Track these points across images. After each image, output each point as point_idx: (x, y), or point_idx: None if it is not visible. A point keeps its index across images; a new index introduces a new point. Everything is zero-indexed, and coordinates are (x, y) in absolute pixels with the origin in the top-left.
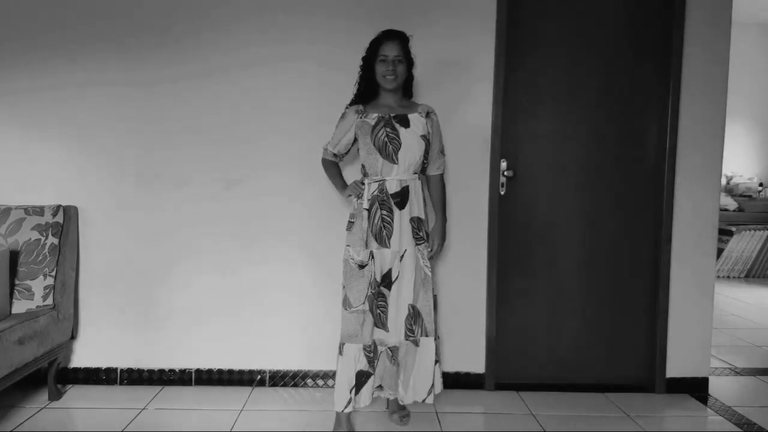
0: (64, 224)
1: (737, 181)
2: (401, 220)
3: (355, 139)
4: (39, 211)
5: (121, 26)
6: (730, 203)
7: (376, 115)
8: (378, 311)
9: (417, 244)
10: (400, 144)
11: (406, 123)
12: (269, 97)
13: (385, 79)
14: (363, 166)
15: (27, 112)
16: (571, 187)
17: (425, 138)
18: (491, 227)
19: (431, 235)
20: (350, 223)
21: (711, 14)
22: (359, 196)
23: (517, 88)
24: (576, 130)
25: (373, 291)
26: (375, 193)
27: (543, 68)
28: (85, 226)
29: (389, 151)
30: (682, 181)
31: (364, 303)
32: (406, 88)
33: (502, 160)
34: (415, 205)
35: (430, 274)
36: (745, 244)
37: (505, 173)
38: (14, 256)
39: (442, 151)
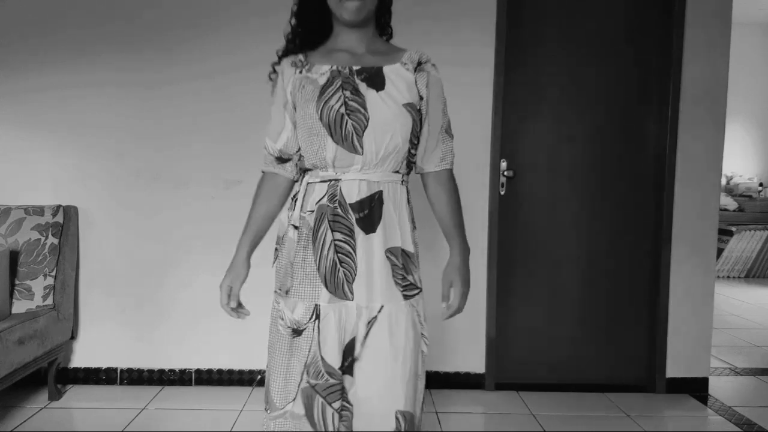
0: (64, 224)
1: (737, 181)
2: (371, 251)
3: None
4: (39, 211)
5: (122, 28)
6: (730, 203)
7: (326, 68)
8: (330, 420)
9: (406, 297)
10: (367, 118)
11: (378, 81)
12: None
13: (342, 3)
14: (302, 157)
15: (27, 113)
16: (571, 187)
17: (412, 108)
18: (491, 227)
19: (447, 279)
20: (277, 252)
21: (711, 14)
22: (292, 206)
23: (517, 87)
24: (576, 130)
25: (316, 381)
26: (322, 201)
27: (543, 68)
28: (85, 226)
29: (347, 129)
30: (682, 181)
31: (294, 401)
32: (381, 23)
33: (502, 160)
34: (396, 227)
35: (426, 350)
36: (745, 244)
37: (505, 173)
38: (14, 256)
39: (447, 131)
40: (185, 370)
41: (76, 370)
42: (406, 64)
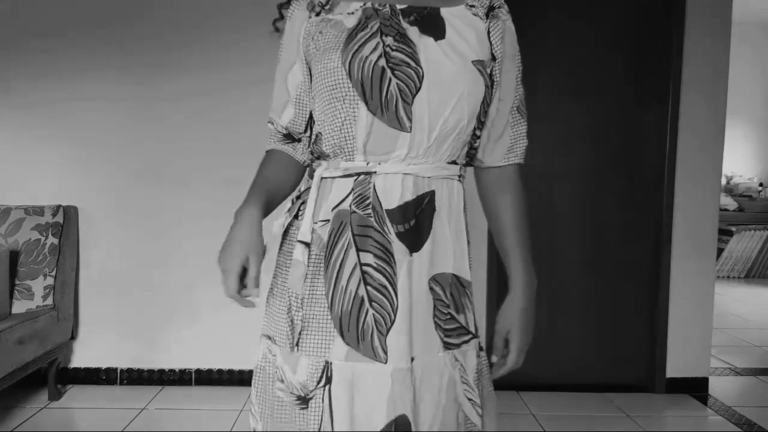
0: (64, 224)
1: (737, 181)
2: (412, 279)
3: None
4: (39, 211)
5: (123, 28)
6: (730, 203)
7: (357, 5)
8: None
9: (448, 347)
10: (421, 76)
11: (436, 26)
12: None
13: None
14: (318, 137)
15: (27, 113)
16: (570, 187)
17: (484, 68)
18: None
19: (504, 325)
20: (273, 282)
21: (711, 14)
22: (297, 215)
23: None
24: (576, 130)
25: None
26: (342, 205)
27: (542, 67)
28: (85, 226)
29: (389, 91)
30: (682, 181)
31: None
32: None
33: None
34: (449, 245)
35: (478, 422)
36: (745, 244)
37: None
38: (14, 256)
39: (520, 108)
40: (185, 370)
41: (76, 370)
42: (474, 6)
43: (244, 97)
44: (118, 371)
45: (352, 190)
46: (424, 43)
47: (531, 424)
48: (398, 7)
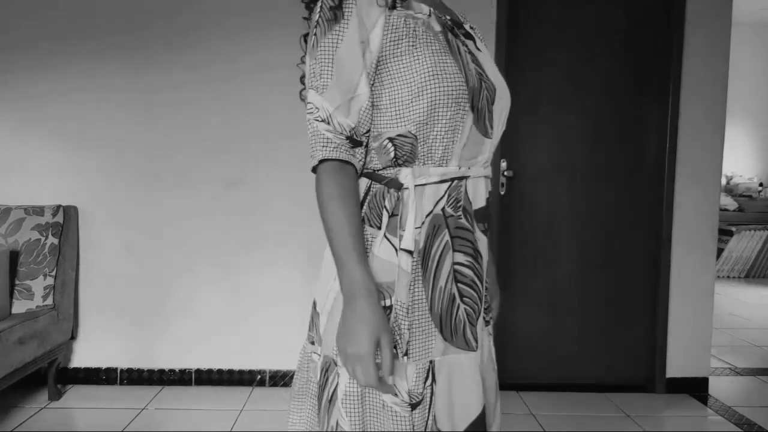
0: (64, 224)
1: (737, 181)
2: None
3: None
4: (39, 211)
5: (124, 29)
6: (730, 203)
7: (426, 8)
8: None
9: (487, 322)
10: (494, 86)
11: (473, 39)
12: (271, 99)
13: None
14: (394, 143)
15: (27, 113)
16: (571, 187)
17: None
18: (491, 227)
19: (490, 286)
20: (385, 307)
21: (711, 14)
22: (382, 227)
23: (517, 87)
24: (576, 130)
25: None
26: (436, 209)
27: (543, 68)
28: (85, 226)
29: (483, 101)
30: (682, 181)
31: None
32: None
33: (502, 160)
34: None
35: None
36: (745, 244)
37: (505, 173)
38: (14, 256)
39: None
40: (185, 370)
41: (76, 370)
42: (473, 29)
43: (245, 98)
44: (118, 371)
45: (447, 194)
46: (480, 56)
47: (531, 424)
48: (447, 16)
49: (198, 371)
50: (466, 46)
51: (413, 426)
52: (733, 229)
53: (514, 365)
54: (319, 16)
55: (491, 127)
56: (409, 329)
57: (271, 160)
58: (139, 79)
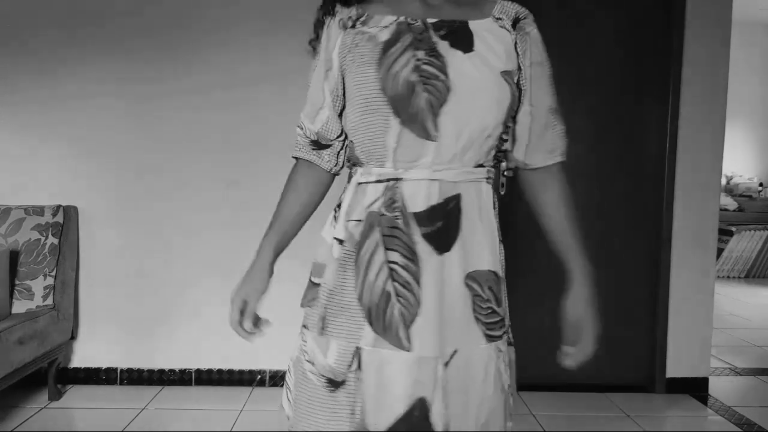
0: (64, 224)
1: (737, 181)
2: (444, 278)
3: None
4: (39, 211)
5: (124, 29)
6: (730, 203)
7: (391, 19)
8: None
9: (490, 338)
10: (449, 88)
11: (465, 39)
12: (270, 100)
13: None
14: (352, 144)
15: (28, 113)
16: (570, 187)
17: (511, 79)
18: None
19: (572, 316)
20: (312, 285)
21: (711, 14)
22: (336, 215)
23: None
24: (576, 130)
25: None
26: (376, 207)
27: None
28: (85, 226)
29: (418, 105)
30: (682, 180)
31: None
32: None
33: (502, 161)
34: (482, 243)
35: (511, 409)
36: (745, 244)
37: (505, 173)
38: (14, 256)
39: (556, 111)
40: (185, 370)
41: (76, 370)
42: (501, 19)
43: (245, 98)
44: (118, 371)
45: (383, 194)
46: (454, 57)
47: (531, 424)
48: (429, 20)
49: (198, 371)
50: (433, 48)
51: (325, 399)
52: (733, 229)
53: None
54: (312, 41)
55: (435, 129)
56: (326, 308)
57: (271, 160)
58: (140, 81)
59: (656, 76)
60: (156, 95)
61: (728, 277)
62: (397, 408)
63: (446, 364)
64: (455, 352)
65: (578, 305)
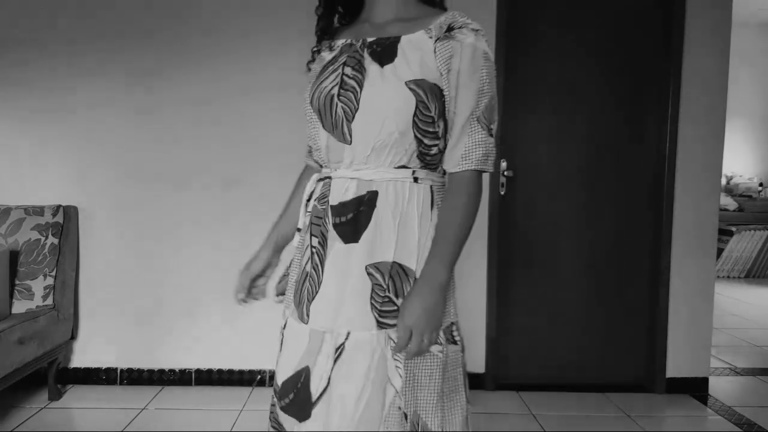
0: (64, 224)
1: (737, 181)
2: (346, 264)
3: None
4: (39, 211)
5: (124, 30)
6: (730, 203)
7: (341, 42)
8: None
9: (381, 325)
10: (358, 99)
11: (388, 54)
12: (270, 103)
13: None
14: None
15: (28, 113)
16: (571, 186)
17: (421, 86)
18: (491, 227)
19: (401, 305)
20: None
21: (711, 14)
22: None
23: (517, 87)
24: (576, 130)
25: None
26: (316, 201)
27: (543, 68)
28: (85, 226)
29: (336, 114)
30: (682, 181)
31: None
32: None
33: (502, 160)
34: (391, 237)
35: (400, 401)
36: (745, 244)
37: (505, 173)
38: (14, 256)
39: (481, 119)
40: (185, 370)
41: (76, 370)
42: (430, 31)
43: (245, 100)
44: (118, 371)
45: (321, 190)
46: (372, 70)
47: (531, 424)
48: (368, 39)
49: (198, 371)
50: (359, 63)
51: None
52: (733, 229)
53: (514, 365)
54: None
55: (350, 135)
56: (283, 286)
57: (271, 160)
58: (140, 81)
59: (656, 76)
60: (156, 95)
61: (728, 277)
62: (287, 370)
63: (341, 344)
64: (349, 333)
65: (407, 297)
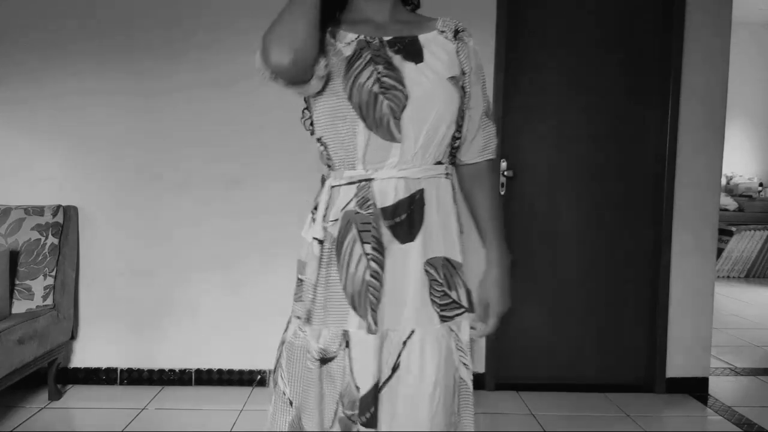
0: (64, 224)
1: (737, 181)
2: (405, 264)
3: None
4: (39, 211)
5: (124, 30)
6: (730, 203)
7: (352, 36)
8: None
9: (444, 319)
10: (407, 95)
11: (415, 52)
12: (271, 101)
13: None
14: (324, 149)
15: (28, 113)
16: (571, 187)
17: (457, 83)
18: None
19: (483, 297)
20: (299, 282)
21: (711, 14)
22: (313, 217)
23: (518, 87)
24: (576, 130)
25: (351, 411)
26: (348, 207)
27: (543, 68)
28: (85, 226)
29: (381, 111)
30: (682, 181)
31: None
32: None
33: (502, 160)
34: (439, 233)
35: (470, 382)
36: (745, 244)
37: (505, 173)
38: (14, 256)
39: (488, 114)
40: (185, 370)
41: (76, 370)
42: (445, 32)
43: (245, 100)
44: (118, 371)
45: (356, 194)
46: (407, 68)
47: (531, 424)
48: (385, 38)
49: (198, 371)
50: (389, 62)
51: (320, 373)
52: (733, 229)
53: (514, 365)
54: None
55: (399, 132)
56: (313, 302)
57: (271, 161)
58: (140, 80)
59: (656, 76)
60: (156, 95)
61: (728, 277)
62: (365, 385)
63: (404, 342)
64: (413, 332)
65: (488, 285)
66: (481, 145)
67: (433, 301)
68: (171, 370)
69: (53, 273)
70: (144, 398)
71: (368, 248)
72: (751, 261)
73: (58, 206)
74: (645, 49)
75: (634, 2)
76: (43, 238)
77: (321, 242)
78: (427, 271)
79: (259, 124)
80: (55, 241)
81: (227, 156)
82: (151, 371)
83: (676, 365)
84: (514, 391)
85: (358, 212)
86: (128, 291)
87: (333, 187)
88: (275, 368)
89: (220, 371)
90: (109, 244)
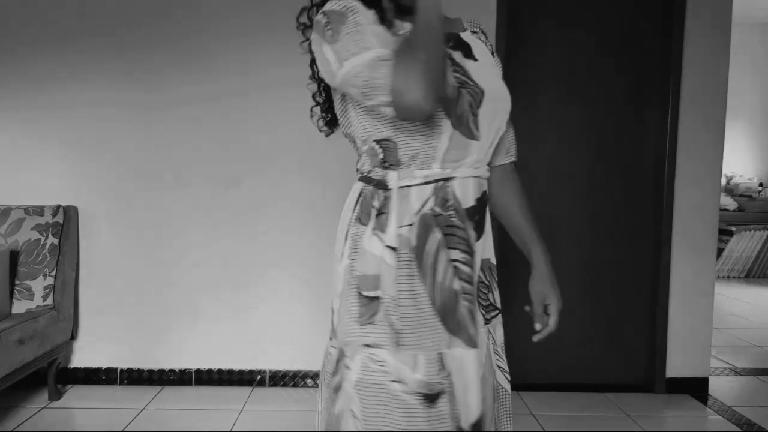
0: (64, 224)
1: (737, 181)
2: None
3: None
4: (39, 211)
5: (124, 30)
6: (730, 203)
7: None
8: None
9: (486, 321)
10: (482, 91)
11: (468, 50)
12: (270, 101)
13: None
14: (383, 150)
15: (28, 113)
16: (570, 186)
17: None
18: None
19: (539, 295)
20: (367, 301)
21: (711, 14)
22: (376, 222)
23: (517, 87)
24: (576, 130)
25: None
26: (424, 209)
27: (543, 67)
28: (85, 226)
29: (463, 108)
30: (682, 181)
31: None
32: None
33: None
34: (489, 234)
35: (507, 386)
36: (745, 244)
37: None
38: (14, 256)
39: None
40: (185, 370)
41: (76, 370)
42: (476, 32)
43: (246, 100)
44: (118, 371)
45: (434, 194)
46: (468, 65)
47: (531, 424)
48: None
49: (198, 371)
50: (451, 57)
51: (423, 415)
52: (733, 229)
53: (514, 365)
54: (328, 17)
55: (477, 129)
56: (401, 320)
57: (272, 160)
58: (141, 80)
59: (656, 76)
60: (156, 95)
61: (728, 277)
62: (472, 413)
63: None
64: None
65: (542, 284)
66: (506, 147)
67: (480, 304)
68: (171, 370)
69: (53, 273)
70: (144, 398)
71: (456, 254)
72: (751, 261)
73: (58, 206)
74: (645, 49)
75: (634, 2)
76: (43, 238)
77: (395, 249)
78: (482, 271)
79: (259, 125)
80: (55, 241)
81: (228, 155)
82: (151, 371)
83: (676, 365)
84: (514, 391)
85: (440, 214)
86: (128, 291)
87: (402, 187)
88: (323, 416)
89: (220, 371)
90: (109, 244)
